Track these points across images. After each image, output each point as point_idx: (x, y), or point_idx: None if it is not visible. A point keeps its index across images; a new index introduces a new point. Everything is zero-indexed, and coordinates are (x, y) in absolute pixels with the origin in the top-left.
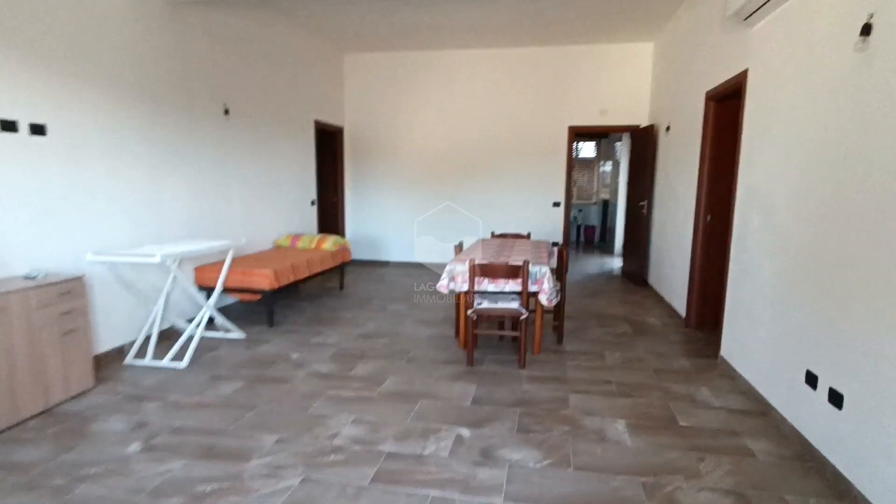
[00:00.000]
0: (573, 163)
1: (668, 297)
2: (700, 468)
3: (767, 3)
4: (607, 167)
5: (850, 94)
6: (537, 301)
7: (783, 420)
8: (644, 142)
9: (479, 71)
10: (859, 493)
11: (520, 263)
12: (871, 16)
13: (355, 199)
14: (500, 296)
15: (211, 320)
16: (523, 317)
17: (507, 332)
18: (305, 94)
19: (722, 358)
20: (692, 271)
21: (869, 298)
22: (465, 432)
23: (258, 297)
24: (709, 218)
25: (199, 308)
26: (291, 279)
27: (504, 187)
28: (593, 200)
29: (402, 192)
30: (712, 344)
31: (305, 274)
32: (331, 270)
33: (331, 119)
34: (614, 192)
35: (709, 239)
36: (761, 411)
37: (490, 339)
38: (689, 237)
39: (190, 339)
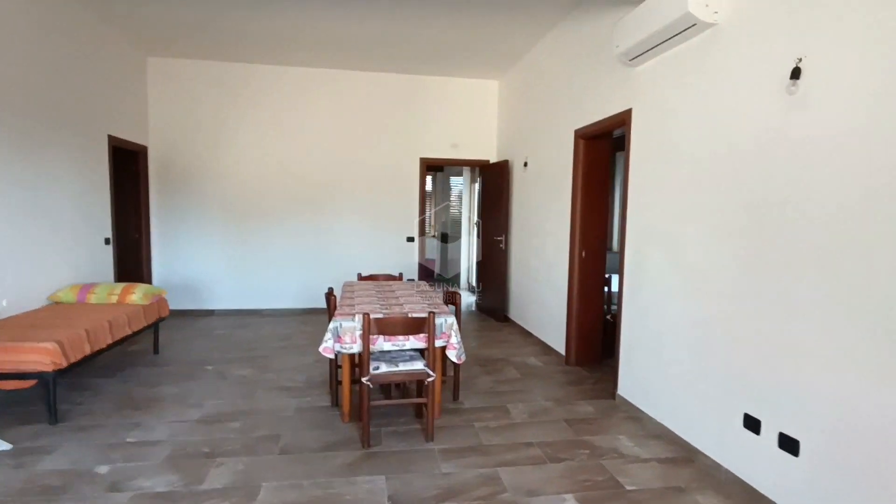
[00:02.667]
0: (426, 196)
1: (537, 333)
2: None
3: (661, 44)
4: (446, 200)
5: (775, 139)
6: (438, 358)
7: (717, 466)
8: (497, 177)
9: (325, 93)
10: None
11: (423, 315)
12: (800, 60)
13: (164, 236)
14: (395, 355)
15: None
16: (430, 379)
17: (412, 400)
18: (95, 101)
19: (620, 397)
20: (570, 308)
21: (816, 341)
22: None
23: (30, 383)
24: (583, 254)
25: None
26: (87, 352)
27: (354, 221)
28: (432, 234)
29: (228, 227)
30: (602, 382)
31: (106, 342)
32: (142, 331)
33: (130, 136)
34: (453, 225)
35: (584, 275)
36: (688, 458)
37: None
38: (564, 273)
39: None
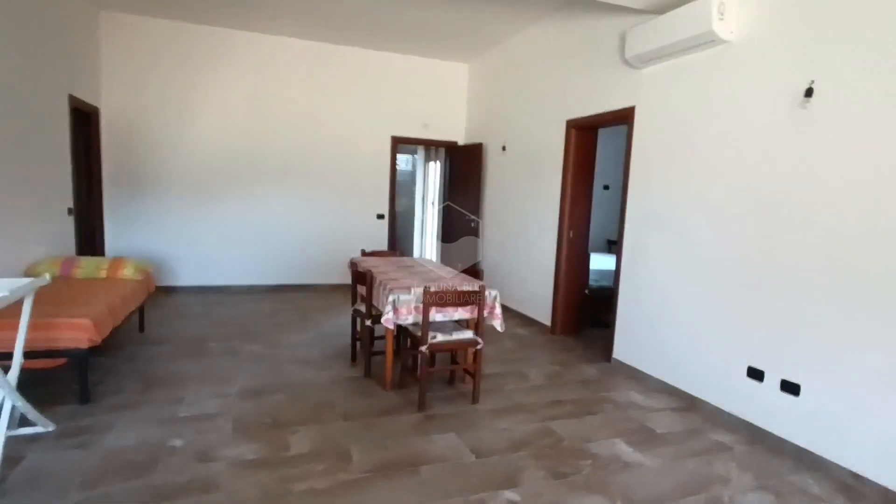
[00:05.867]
0: (396, 173)
1: (516, 307)
2: (724, 471)
3: (673, 53)
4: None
5: (788, 146)
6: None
7: (720, 410)
8: (470, 159)
9: (295, 63)
10: (830, 461)
11: (473, 289)
12: (813, 82)
13: (117, 206)
14: (441, 325)
15: None
16: (479, 347)
17: (462, 366)
18: (53, 57)
19: (616, 360)
20: (557, 283)
21: (823, 304)
22: (511, 495)
23: (60, 361)
24: (571, 234)
25: None
26: (111, 328)
27: (323, 196)
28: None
29: (189, 198)
30: (590, 348)
31: (122, 317)
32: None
33: (82, 95)
34: (410, 203)
35: (571, 253)
36: (689, 406)
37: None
38: (549, 252)
39: None
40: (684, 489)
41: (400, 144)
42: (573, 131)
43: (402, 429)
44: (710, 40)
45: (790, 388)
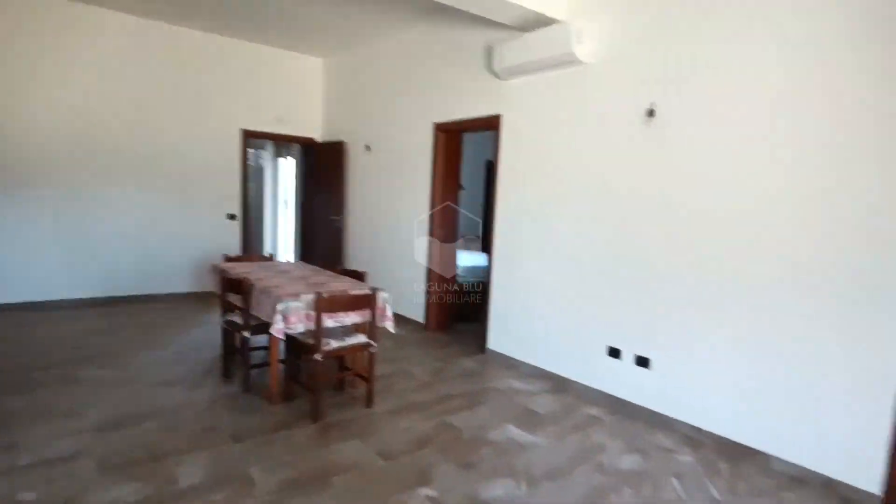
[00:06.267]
0: (248, 170)
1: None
2: (599, 441)
3: (538, 69)
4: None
5: (638, 154)
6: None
7: (588, 388)
8: (330, 157)
9: (128, 43)
10: (676, 419)
11: (365, 292)
12: (653, 104)
13: None
14: (333, 330)
15: None
16: (374, 350)
17: (355, 372)
18: None
19: (491, 351)
20: (429, 282)
21: (660, 292)
22: (428, 491)
23: None
24: (442, 232)
25: None
26: None
27: (166, 193)
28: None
29: None
30: (464, 342)
31: None
32: None
33: None
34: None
35: (442, 251)
36: (562, 386)
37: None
38: (423, 251)
39: None
40: (574, 461)
41: (252, 139)
42: (441, 134)
43: (302, 442)
44: (570, 60)
45: (642, 362)
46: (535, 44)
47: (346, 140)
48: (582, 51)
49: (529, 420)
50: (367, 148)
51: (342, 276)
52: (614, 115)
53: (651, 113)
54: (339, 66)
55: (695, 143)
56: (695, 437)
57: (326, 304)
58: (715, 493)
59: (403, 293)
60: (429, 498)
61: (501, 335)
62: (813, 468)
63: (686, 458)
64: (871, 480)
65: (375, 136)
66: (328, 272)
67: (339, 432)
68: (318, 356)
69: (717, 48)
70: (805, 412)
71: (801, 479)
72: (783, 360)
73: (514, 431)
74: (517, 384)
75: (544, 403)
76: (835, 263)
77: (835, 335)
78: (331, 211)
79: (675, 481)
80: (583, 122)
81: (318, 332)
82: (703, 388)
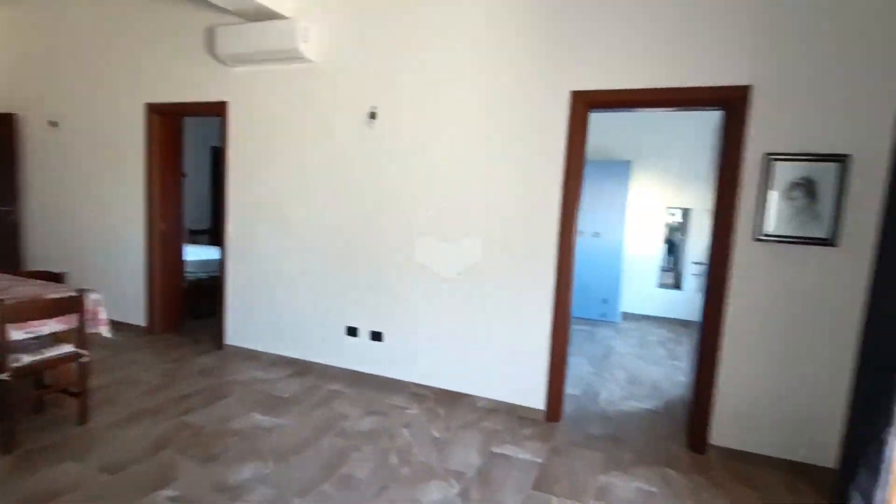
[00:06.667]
0: None
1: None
2: (342, 410)
3: (265, 60)
4: None
5: (363, 151)
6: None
7: (329, 367)
8: None
9: None
10: (406, 381)
11: (68, 294)
12: (374, 107)
13: None
14: (27, 343)
15: None
16: (85, 360)
17: (63, 389)
18: None
19: (229, 346)
20: (151, 280)
21: (383, 279)
22: (168, 492)
23: None
24: (163, 225)
25: None
26: None
27: None
28: None
29: None
30: (198, 341)
31: None
32: None
33: None
34: None
35: (165, 246)
36: (305, 370)
37: None
38: (140, 246)
39: None
40: (319, 431)
41: None
42: (156, 116)
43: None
44: (298, 57)
45: (377, 336)
46: (261, 36)
47: (19, 112)
48: (309, 49)
49: (274, 405)
50: (54, 124)
51: (31, 280)
52: (342, 114)
53: (373, 115)
54: (13, 20)
55: (409, 142)
56: (420, 393)
57: (12, 313)
58: (435, 433)
59: (123, 294)
60: (169, 498)
61: (240, 328)
62: (503, 400)
63: (413, 411)
64: (539, 401)
65: (68, 110)
66: (11, 275)
67: (46, 458)
68: (4, 376)
69: (428, 56)
70: (493, 360)
71: (495, 409)
72: (478, 322)
73: (259, 418)
74: (260, 374)
75: (288, 387)
76: (511, 240)
77: (507, 297)
78: (2, 200)
79: (405, 431)
80: (314, 118)
81: (3, 347)
82: (424, 352)
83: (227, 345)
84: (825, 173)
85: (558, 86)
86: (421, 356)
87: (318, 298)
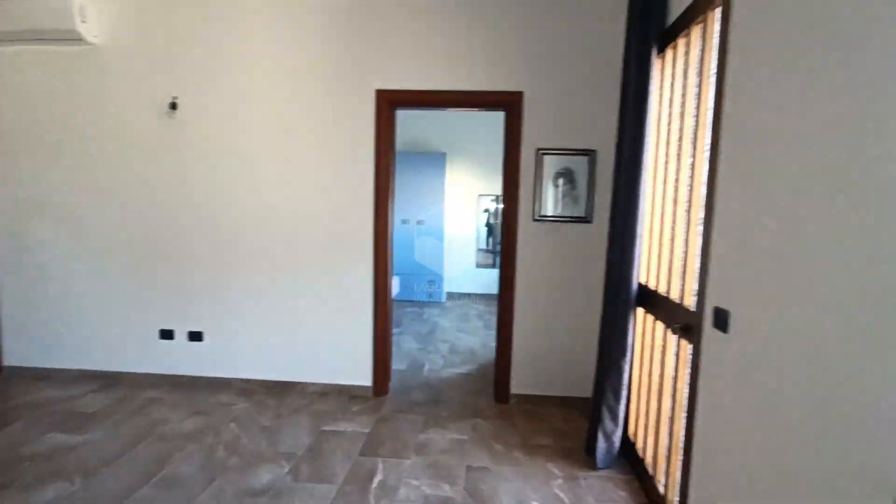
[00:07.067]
0: None
1: None
2: (161, 416)
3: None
4: None
5: (164, 144)
6: None
7: (143, 375)
8: None
9: None
10: (232, 378)
11: None
12: (176, 97)
13: None
14: None
15: None
16: None
17: None
18: None
19: (11, 367)
20: None
21: (232, 277)
22: None
23: None
24: None
25: None
26: None
27: None
28: None
29: None
30: None
31: None
32: None
33: None
34: None
35: None
36: (113, 381)
37: None
38: None
39: None
40: (134, 440)
41: None
42: None
43: None
44: (77, 38)
45: (196, 336)
46: (27, 11)
47: None
48: (89, 30)
49: (77, 422)
50: None
51: None
52: (138, 105)
53: (174, 106)
54: None
55: (216, 135)
56: (248, 388)
57: None
58: (265, 423)
59: None
60: None
61: (22, 347)
62: (333, 382)
63: (242, 405)
64: (367, 378)
65: None
66: None
67: None
68: None
69: (231, 46)
70: (321, 347)
71: (326, 392)
72: (303, 312)
73: (60, 437)
74: (56, 393)
75: (93, 402)
76: (320, 230)
77: (330, 285)
78: None
79: (232, 425)
80: (102, 109)
81: None
82: (249, 348)
83: (7, 367)
84: (580, 165)
85: (364, 84)
86: (246, 351)
87: (121, 303)
